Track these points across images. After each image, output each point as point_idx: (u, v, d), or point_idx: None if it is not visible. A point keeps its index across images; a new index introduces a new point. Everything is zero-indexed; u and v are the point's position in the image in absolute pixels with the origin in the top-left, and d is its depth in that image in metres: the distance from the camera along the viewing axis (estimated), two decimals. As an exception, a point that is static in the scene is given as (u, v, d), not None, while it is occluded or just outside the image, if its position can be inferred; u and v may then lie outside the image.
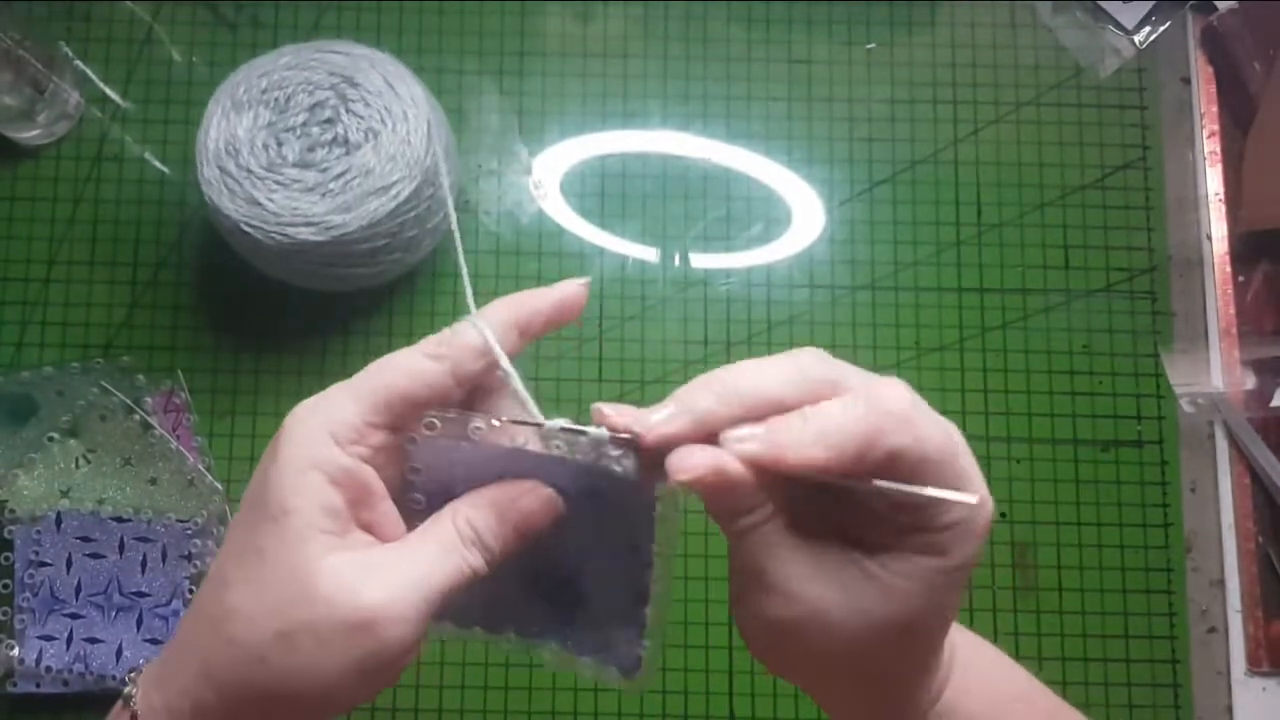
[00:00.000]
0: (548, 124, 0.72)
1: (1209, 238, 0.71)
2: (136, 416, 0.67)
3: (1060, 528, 0.68)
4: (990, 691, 0.39)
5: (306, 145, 0.62)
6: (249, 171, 0.62)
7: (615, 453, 0.33)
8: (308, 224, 0.61)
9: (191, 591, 0.64)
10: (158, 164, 0.72)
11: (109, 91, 0.72)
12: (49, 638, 0.64)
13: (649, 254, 0.71)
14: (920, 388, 0.32)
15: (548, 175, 0.72)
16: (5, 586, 0.64)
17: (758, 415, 0.32)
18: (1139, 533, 0.68)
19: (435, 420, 0.35)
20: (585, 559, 0.37)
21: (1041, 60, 0.74)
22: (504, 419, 0.35)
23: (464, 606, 0.36)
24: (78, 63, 0.72)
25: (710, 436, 0.32)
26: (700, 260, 0.71)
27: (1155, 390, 0.70)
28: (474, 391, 0.37)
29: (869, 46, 0.74)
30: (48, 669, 0.63)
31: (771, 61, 0.73)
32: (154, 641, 0.64)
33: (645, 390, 0.69)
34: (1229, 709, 0.66)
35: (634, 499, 0.35)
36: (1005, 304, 0.70)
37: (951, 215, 0.72)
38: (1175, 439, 0.69)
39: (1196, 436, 0.69)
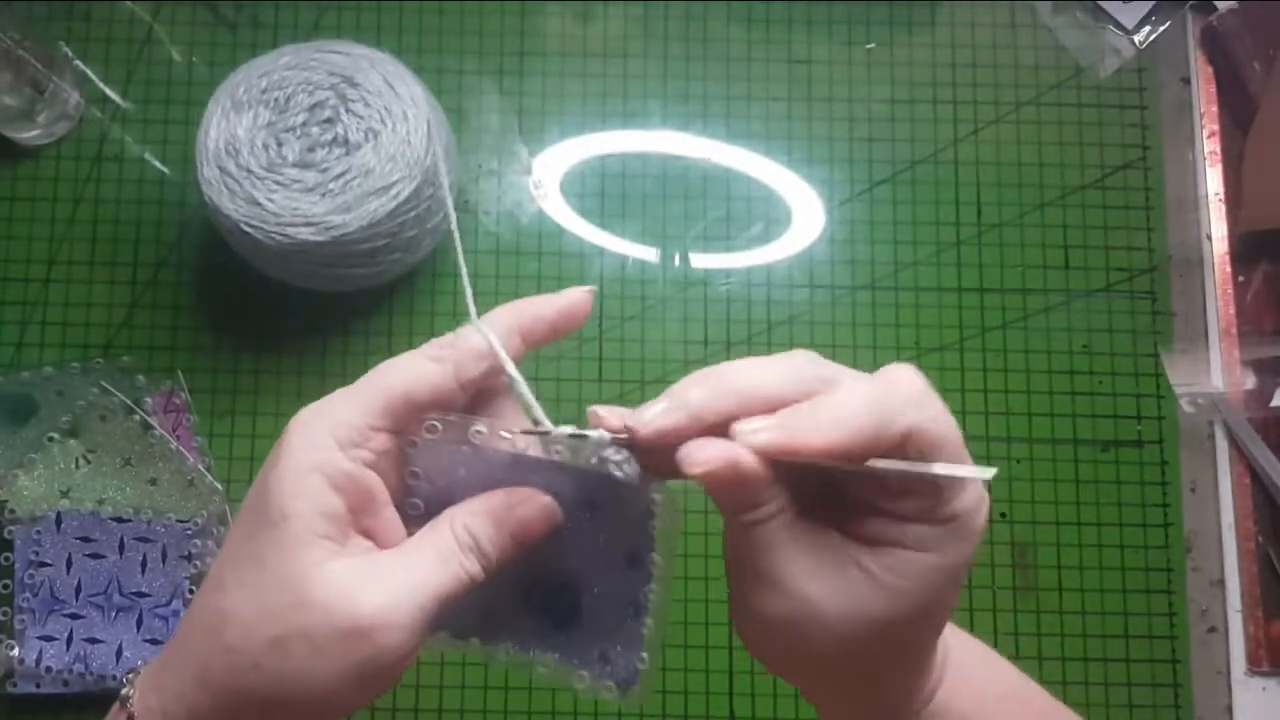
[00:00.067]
0: (548, 124, 0.72)
1: (1209, 238, 0.71)
2: (136, 417, 0.67)
3: (1060, 528, 0.68)
4: (981, 691, 0.39)
5: (306, 145, 0.62)
6: (249, 171, 0.62)
7: (616, 457, 0.33)
8: (308, 224, 0.61)
9: (191, 592, 0.64)
10: (158, 164, 0.72)
11: (109, 91, 0.72)
12: (49, 638, 0.63)
13: (649, 254, 0.71)
14: (921, 388, 0.32)
15: (548, 175, 0.72)
16: (5, 587, 0.64)
17: (752, 410, 0.31)
18: (1139, 533, 0.68)
19: (436, 423, 0.34)
20: (583, 569, 0.36)
21: (1041, 60, 0.74)
22: (515, 430, 0.34)
23: (460, 617, 0.36)
24: (78, 63, 0.72)
25: (705, 431, 0.32)
26: (700, 260, 0.71)
27: (1155, 390, 0.70)
28: (478, 396, 0.37)
29: (869, 46, 0.74)
30: (48, 669, 0.63)
31: (771, 61, 0.73)
32: (154, 642, 0.64)
33: (645, 390, 0.69)
34: (1229, 709, 0.66)
35: (633, 508, 0.35)
36: (1005, 304, 0.70)
37: (951, 215, 0.72)
38: (1175, 439, 0.69)
39: (1196, 436, 0.69)
